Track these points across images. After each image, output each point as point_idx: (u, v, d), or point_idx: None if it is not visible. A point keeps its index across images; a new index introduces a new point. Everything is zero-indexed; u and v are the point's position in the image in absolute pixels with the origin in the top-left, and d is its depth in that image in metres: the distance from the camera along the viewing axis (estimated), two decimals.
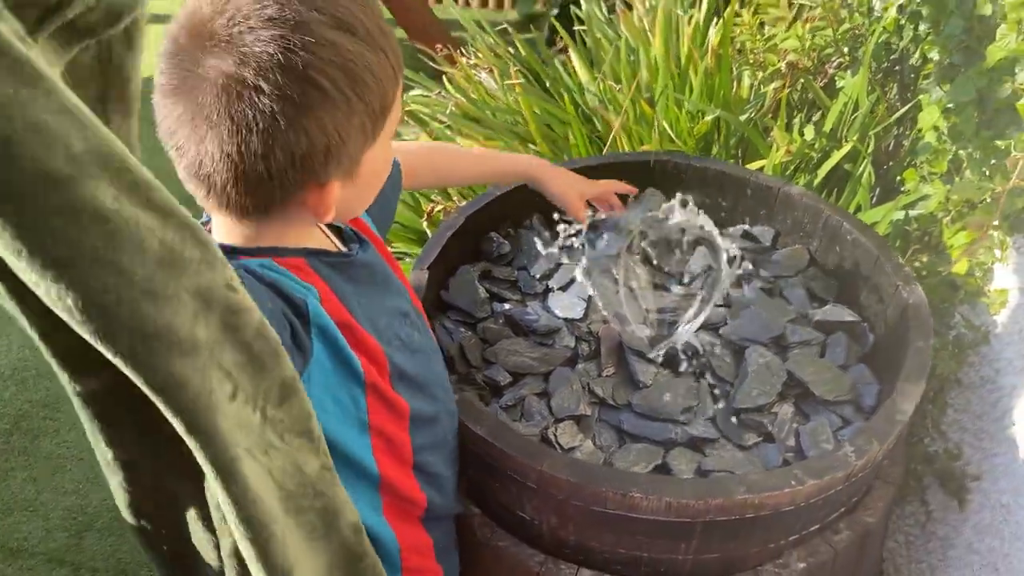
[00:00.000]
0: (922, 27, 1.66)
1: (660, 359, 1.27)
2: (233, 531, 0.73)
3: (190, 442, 0.66)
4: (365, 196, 0.94)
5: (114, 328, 0.58)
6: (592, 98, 2.28)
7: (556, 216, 1.38)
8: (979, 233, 1.29)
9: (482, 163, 1.32)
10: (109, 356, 0.59)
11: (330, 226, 0.99)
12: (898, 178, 1.78)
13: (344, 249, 0.97)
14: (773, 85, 2.06)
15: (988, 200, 1.19)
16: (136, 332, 0.59)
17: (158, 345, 0.60)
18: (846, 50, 1.92)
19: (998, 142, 1.19)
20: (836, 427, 1.19)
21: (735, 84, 2.11)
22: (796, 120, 1.98)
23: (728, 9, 2.04)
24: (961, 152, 1.41)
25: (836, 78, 2.02)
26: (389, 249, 1.12)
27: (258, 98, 0.74)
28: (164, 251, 0.59)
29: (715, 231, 1.29)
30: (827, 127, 1.89)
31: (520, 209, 1.49)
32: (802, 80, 2.03)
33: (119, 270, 0.57)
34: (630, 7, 2.53)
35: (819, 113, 2.02)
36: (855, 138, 1.78)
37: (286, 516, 0.75)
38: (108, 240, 0.55)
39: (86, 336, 0.58)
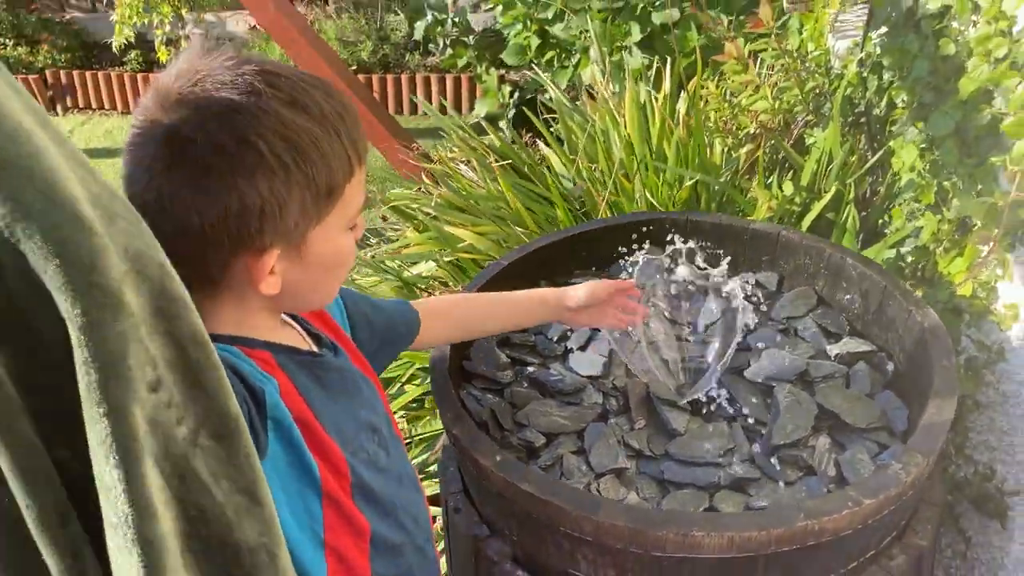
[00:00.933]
0: (886, 76, 1.75)
1: (689, 408, 1.28)
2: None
3: (94, 416, 0.61)
4: (321, 284, 0.91)
5: (50, 217, 0.57)
6: (567, 182, 2.34)
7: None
8: (980, 253, 1.33)
9: (510, 316, 1.26)
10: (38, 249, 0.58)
11: (307, 330, 0.98)
12: (881, 221, 1.84)
13: (316, 350, 0.95)
14: (745, 149, 2.14)
15: (984, 220, 1.24)
16: (66, 244, 0.58)
17: (80, 270, 0.58)
18: (811, 107, 2.01)
19: (993, 158, 1.24)
20: (873, 453, 1.19)
21: (708, 151, 2.19)
22: (772, 179, 2.05)
23: (694, 81, 2.13)
24: (946, 183, 1.48)
25: (804, 136, 2.11)
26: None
27: (194, 150, 0.76)
28: (91, 191, 0.60)
29: (724, 274, 1.32)
30: (804, 181, 1.96)
31: (526, 277, 1.51)
32: (772, 141, 2.11)
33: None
34: (593, 96, 2.63)
35: (791, 172, 2.09)
36: (836, 185, 1.85)
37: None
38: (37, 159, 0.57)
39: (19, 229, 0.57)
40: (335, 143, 0.82)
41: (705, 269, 1.42)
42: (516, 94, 3.83)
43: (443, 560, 1.40)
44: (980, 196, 1.35)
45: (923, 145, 1.55)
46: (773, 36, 1.88)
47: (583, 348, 1.40)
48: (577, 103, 2.67)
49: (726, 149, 2.19)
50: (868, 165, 1.84)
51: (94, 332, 0.59)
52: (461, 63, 4.13)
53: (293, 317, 0.98)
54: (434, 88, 4.49)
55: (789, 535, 0.99)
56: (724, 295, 1.38)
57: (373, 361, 1.06)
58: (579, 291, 1.23)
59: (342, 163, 0.83)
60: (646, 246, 1.54)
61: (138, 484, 0.62)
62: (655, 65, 2.65)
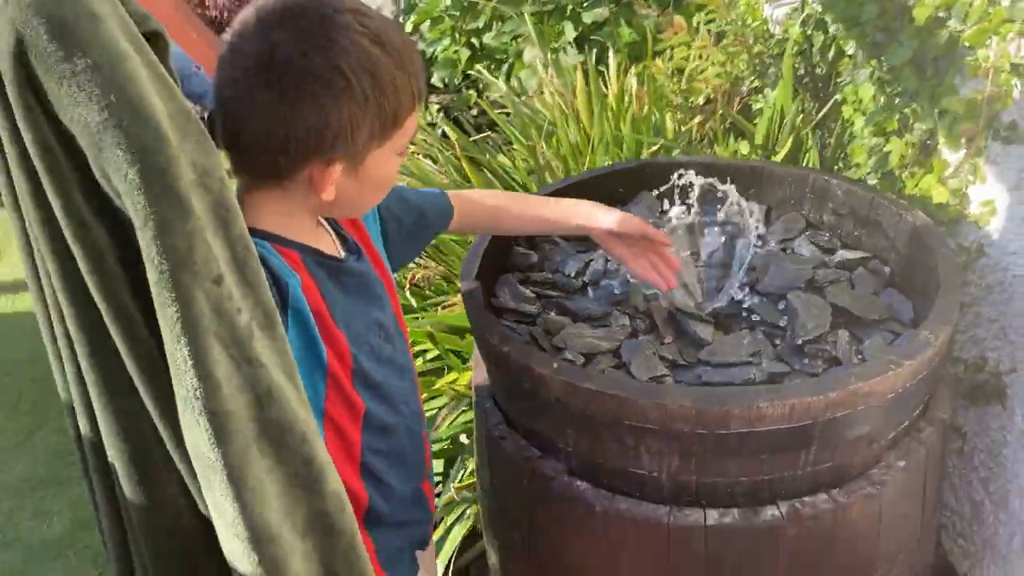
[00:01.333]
0: (832, 29, 1.90)
1: (712, 320, 1.35)
2: (195, 437, 0.74)
3: (165, 301, 0.70)
4: (366, 197, 1.05)
5: (135, 128, 0.67)
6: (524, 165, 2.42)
7: None
8: (947, 167, 1.46)
9: (540, 221, 1.34)
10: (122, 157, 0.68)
11: (337, 233, 1.09)
12: (837, 168, 1.98)
13: (341, 255, 1.07)
14: (696, 119, 2.26)
15: (966, 113, 1.36)
16: (148, 151, 0.68)
17: (159, 175, 0.68)
18: (758, 71, 2.14)
19: (967, 59, 1.36)
20: (889, 341, 1.28)
21: (663, 121, 2.30)
22: (728, 144, 2.17)
23: (645, 60, 2.25)
24: (906, 110, 1.61)
25: (750, 103, 2.25)
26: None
27: (290, 71, 0.88)
28: (172, 112, 0.70)
29: (735, 197, 1.40)
30: (759, 140, 2.08)
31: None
32: (720, 111, 2.24)
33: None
34: (540, 92, 2.73)
35: (741, 137, 2.22)
36: (791, 140, 1.97)
37: (260, 454, 0.76)
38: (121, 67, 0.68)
39: (95, 121, 0.67)
40: (405, 78, 0.95)
41: (693, 206, 1.50)
42: (442, 113, 3.91)
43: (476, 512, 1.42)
44: (943, 113, 1.47)
45: (880, 80, 1.68)
46: (724, 5, 2.01)
47: (599, 281, 1.45)
48: (522, 97, 2.76)
49: (676, 124, 2.30)
50: (820, 115, 1.98)
51: (165, 229, 0.69)
52: None
53: (328, 220, 1.09)
54: None
55: (843, 398, 1.06)
56: (723, 224, 1.47)
57: (401, 247, 1.23)
58: (612, 214, 1.29)
59: (408, 96, 0.96)
60: (642, 195, 1.62)
61: (205, 361, 0.72)
62: (591, 62, 2.77)
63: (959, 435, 1.55)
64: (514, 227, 1.37)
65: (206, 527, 0.81)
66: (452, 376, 1.96)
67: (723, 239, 1.49)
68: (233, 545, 0.77)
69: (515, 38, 3.13)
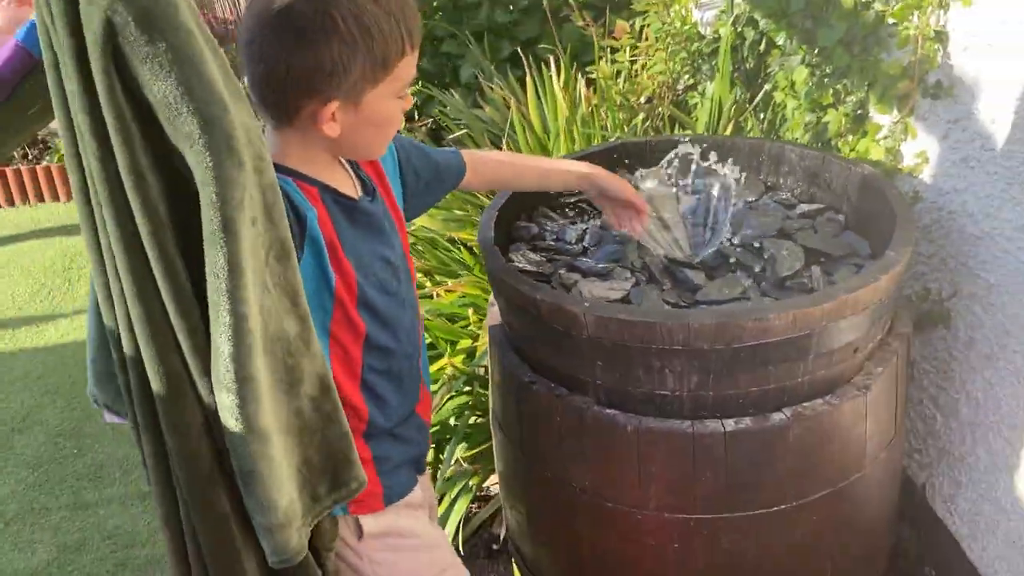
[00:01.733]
0: (761, 24, 2.14)
1: (702, 268, 1.53)
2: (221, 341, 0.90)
3: (217, 242, 0.86)
4: (368, 136, 1.18)
5: (206, 100, 0.84)
6: None
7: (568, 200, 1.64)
8: (880, 130, 1.69)
9: (544, 176, 1.52)
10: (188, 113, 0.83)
11: (357, 174, 1.25)
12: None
13: (356, 195, 1.22)
14: (640, 117, 2.47)
15: (901, 75, 1.59)
16: (216, 119, 0.84)
17: (224, 139, 0.85)
18: (694, 68, 2.37)
19: (899, 29, 1.59)
20: (854, 272, 1.49)
21: (613, 119, 2.51)
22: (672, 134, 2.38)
23: (592, 65, 2.45)
24: (838, 86, 1.84)
25: (687, 99, 2.47)
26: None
27: (291, 18, 1.04)
28: (225, 83, 0.87)
29: (712, 161, 1.60)
30: (700, 129, 2.31)
31: (528, 204, 1.73)
32: (659, 109, 2.46)
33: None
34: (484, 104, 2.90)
35: (682, 128, 2.44)
36: (731, 124, 2.20)
37: (263, 352, 0.94)
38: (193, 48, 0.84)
39: (172, 94, 0.83)
40: (392, 24, 1.09)
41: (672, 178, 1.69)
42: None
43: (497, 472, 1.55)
44: (874, 83, 1.71)
45: (810, 63, 1.92)
46: (661, 8, 2.23)
47: (598, 244, 1.62)
48: (475, 111, 2.93)
49: (621, 122, 2.51)
50: (755, 102, 2.22)
51: (225, 181, 0.86)
52: None
53: (349, 162, 1.24)
54: None
55: (835, 308, 1.25)
56: (697, 188, 1.66)
57: (418, 198, 1.40)
58: (610, 178, 1.48)
59: (396, 42, 1.10)
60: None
61: (244, 291, 0.88)
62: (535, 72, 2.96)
63: (908, 364, 1.77)
64: (520, 182, 1.54)
65: (218, 453, 0.98)
66: (443, 362, 2.08)
67: (699, 200, 1.68)
68: (222, 397, 0.92)
69: (451, 58, 3.31)
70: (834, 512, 1.40)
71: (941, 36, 1.51)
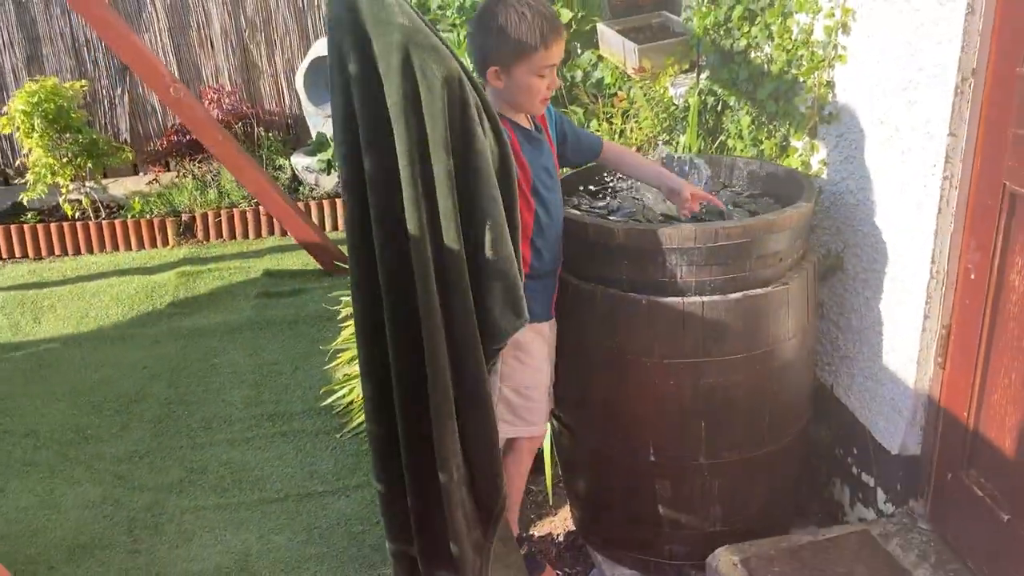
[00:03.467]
0: (719, 92, 3.09)
1: (682, 220, 2.40)
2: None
3: (478, 167, 1.79)
4: (520, 97, 2.06)
5: (470, 83, 1.78)
6: None
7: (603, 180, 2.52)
8: (796, 151, 2.61)
9: (643, 169, 2.40)
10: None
11: (532, 121, 2.17)
12: None
13: (531, 128, 2.15)
14: None
15: (808, 109, 2.52)
16: (478, 89, 1.79)
17: (486, 105, 1.81)
18: (668, 127, 3.31)
19: (805, 84, 2.53)
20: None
21: None
22: None
23: (597, 123, 3.38)
24: (770, 126, 2.77)
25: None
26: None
27: (476, 16, 2.04)
28: (438, 37, 1.77)
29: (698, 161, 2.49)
30: None
31: (574, 185, 2.60)
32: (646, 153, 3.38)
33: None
34: None
35: None
36: None
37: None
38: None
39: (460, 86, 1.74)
40: (528, 32, 1.98)
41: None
42: None
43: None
44: (792, 120, 2.63)
45: (750, 113, 2.85)
46: (648, 86, 3.18)
47: (617, 210, 2.49)
48: None
49: None
50: (715, 148, 3.14)
51: (487, 123, 1.78)
52: None
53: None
54: None
55: (768, 223, 2.12)
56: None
57: (567, 151, 2.36)
58: (676, 180, 2.34)
59: (530, 42, 1.98)
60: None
61: (492, 192, 1.95)
62: None
63: (819, 307, 2.62)
64: (631, 170, 2.43)
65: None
66: None
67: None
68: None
69: None
70: (768, 364, 2.22)
71: (831, 84, 2.45)
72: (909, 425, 2.24)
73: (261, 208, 5.15)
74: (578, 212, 2.42)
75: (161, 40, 5.87)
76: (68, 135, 5.21)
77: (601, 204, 2.55)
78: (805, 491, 2.64)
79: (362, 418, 3.16)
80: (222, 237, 5.33)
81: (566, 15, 3.89)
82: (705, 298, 2.14)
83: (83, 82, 5.54)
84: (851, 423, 2.49)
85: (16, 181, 5.72)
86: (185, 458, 3.16)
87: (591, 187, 2.66)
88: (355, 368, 3.31)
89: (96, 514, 2.87)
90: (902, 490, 2.31)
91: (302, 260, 4.79)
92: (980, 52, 1.89)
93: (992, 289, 1.95)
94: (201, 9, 5.85)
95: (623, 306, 2.17)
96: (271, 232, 5.29)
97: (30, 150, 5.18)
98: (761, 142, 2.83)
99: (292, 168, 5.74)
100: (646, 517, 2.35)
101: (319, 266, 4.60)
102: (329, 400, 3.39)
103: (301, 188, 5.73)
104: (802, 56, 2.54)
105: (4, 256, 5.29)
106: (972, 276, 2.01)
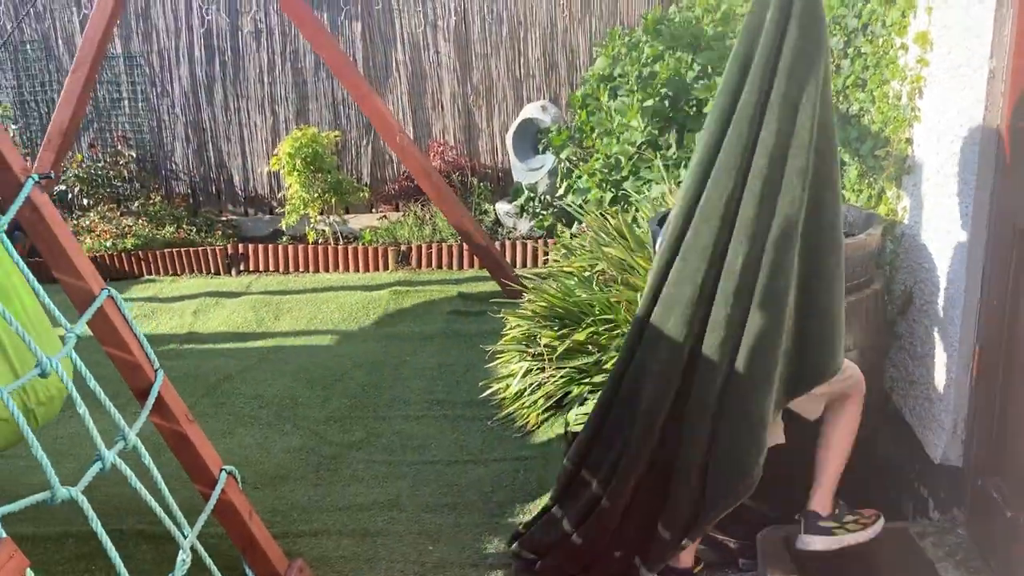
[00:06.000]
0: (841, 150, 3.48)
1: None
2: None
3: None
4: None
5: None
6: None
7: None
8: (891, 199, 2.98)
9: None
10: None
11: None
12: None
13: None
14: None
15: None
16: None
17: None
18: None
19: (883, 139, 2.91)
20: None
21: None
22: None
23: None
24: (869, 179, 3.14)
25: None
26: None
27: None
28: None
29: None
30: None
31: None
32: None
33: None
34: None
35: None
36: None
37: None
38: None
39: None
40: None
41: None
42: None
43: None
44: (887, 171, 3.00)
45: (861, 167, 3.23)
46: None
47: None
48: None
49: None
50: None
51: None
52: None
53: None
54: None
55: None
56: None
57: None
58: None
59: None
60: None
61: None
62: None
63: (889, 329, 2.93)
64: None
65: None
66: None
67: None
68: None
69: (646, 183, 4.80)
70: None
71: (910, 140, 2.81)
72: (950, 437, 2.53)
73: (465, 244, 5.98)
74: None
75: (402, 102, 6.95)
76: (320, 175, 6.33)
77: None
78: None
79: (507, 408, 3.79)
80: (431, 266, 6.22)
81: None
82: None
83: (337, 132, 6.71)
84: (912, 441, 2.79)
85: (278, 211, 6.95)
86: (368, 425, 3.93)
87: None
88: (507, 368, 3.96)
89: (294, 457, 3.67)
90: (946, 498, 2.59)
91: (491, 287, 5.53)
92: (1002, 109, 2.25)
93: (1008, 314, 2.26)
94: (436, 77, 6.88)
95: None
96: (472, 265, 6.09)
97: (290, 185, 6.35)
98: (862, 191, 3.20)
99: (495, 213, 6.58)
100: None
101: (504, 294, 5.31)
102: (485, 394, 4.04)
103: (500, 229, 6.55)
104: (894, 117, 2.93)
105: (262, 268, 6.47)
106: (995, 302, 2.32)
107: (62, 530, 3.08)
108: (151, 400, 2.34)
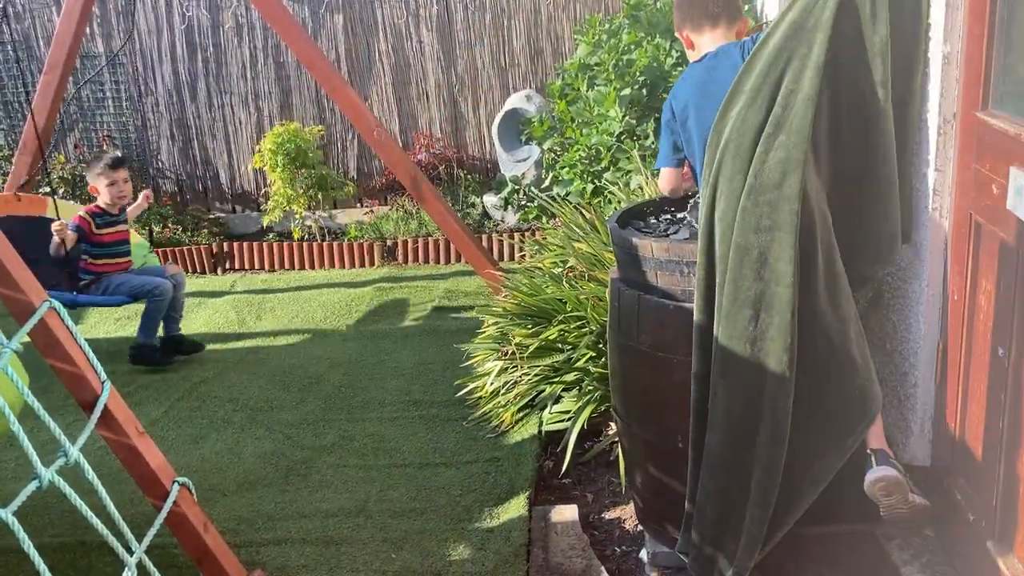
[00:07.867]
0: None
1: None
2: None
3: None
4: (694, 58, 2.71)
5: None
6: None
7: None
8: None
9: None
10: None
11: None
12: None
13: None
14: None
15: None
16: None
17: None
18: None
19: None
20: None
21: None
22: None
23: None
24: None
25: None
26: None
27: None
28: None
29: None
30: None
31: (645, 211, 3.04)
32: None
33: None
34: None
35: None
36: None
37: None
38: None
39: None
40: (684, 17, 2.70)
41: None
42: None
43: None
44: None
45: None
46: None
47: (677, 231, 2.90)
48: None
49: None
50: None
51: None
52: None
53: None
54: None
55: None
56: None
57: None
58: None
59: (695, 20, 2.71)
60: None
61: None
62: None
63: (868, 331, 2.85)
64: None
65: None
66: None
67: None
68: None
69: (625, 174, 4.71)
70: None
71: None
72: (918, 438, 2.46)
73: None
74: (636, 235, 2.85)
75: (386, 93, 6.86)
76: (304, 171, 6.27)
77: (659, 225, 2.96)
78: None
79: (483, 408, 3.73)
80: (418, 261, 6.15)
81: None
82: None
83: (321, 127, 6.63)
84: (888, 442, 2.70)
85: (264, 208, 6.89)
86: (341, 428, 3.87)
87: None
88: (481, 368, 3.89)
89: (264, 463, 3.62)
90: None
91: (477, 283, 5.45)
92: (957, 97, 2.16)
93: (966, 310, 2.18)
94: (419, 67, 6.79)
95: (657, 311, 2.58)
96: (459, 260, 6.02)
97: (273, 182, 6.29)
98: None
99: (483, 205, 6.50)
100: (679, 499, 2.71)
101: (490, 289, 5.20)
102: (462, 393, 3.98)
103: (487, 222, 6.46)
104: None
105: (248, 267, 6.42)
106: (955, 297, 2.24)
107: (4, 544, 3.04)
108: (96, 413, 2.29)
